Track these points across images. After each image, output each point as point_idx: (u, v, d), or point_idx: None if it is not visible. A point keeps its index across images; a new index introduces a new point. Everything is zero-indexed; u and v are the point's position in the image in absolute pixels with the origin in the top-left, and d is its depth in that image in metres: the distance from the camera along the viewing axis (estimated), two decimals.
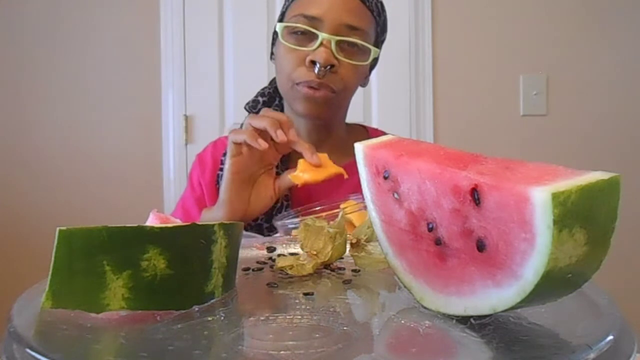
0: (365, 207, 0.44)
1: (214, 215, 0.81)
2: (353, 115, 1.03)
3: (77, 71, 1.96)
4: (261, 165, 0.80)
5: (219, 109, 1.95)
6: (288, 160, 0.90)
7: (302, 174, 0.77)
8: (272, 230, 0.84)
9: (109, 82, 1.96)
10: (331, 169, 0.77)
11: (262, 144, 0.75)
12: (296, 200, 0.90)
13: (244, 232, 0.55)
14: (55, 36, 1.96)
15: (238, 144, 0.78)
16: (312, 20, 0.84)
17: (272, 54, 0.95)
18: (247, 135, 0.76)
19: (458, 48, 1.95)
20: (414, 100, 1.94)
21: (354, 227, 0.65)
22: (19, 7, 1.95)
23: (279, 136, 0.75)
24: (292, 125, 0.77)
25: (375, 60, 0.95)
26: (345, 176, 0.77)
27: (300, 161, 0.78)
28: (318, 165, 0.77)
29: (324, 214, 0.71)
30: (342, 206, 0.73)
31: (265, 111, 0.79)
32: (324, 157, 0.78)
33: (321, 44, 0.83)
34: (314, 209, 0.76)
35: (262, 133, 0.76)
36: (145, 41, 1.95)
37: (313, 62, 0.83)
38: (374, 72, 0.99)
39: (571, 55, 1.96)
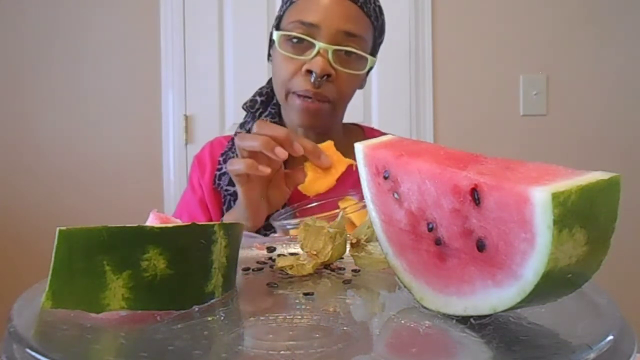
0: (364, 206, 0.44)
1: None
2: (353, 116, 1.03)
3: (77, 71, 1.96)
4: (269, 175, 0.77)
5: (219, 109, 1.94)
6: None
7: (312, 185, 0.72)
8: (270, 227, 0.84)
9: (109, 82, 1.96)
10: (340, 165, 0.72)
11: (265, 170, 0.71)
12: (294, 195, 0.89)
13: (244, 232, 0.54)
14: (55, 36, 1.95)
15: (241, 175, 0.74)
16: (310, 27, 0.83)
17: (269, 55, 0.95)
18: (246, 166, 0.71)
19: (458, 48, 1.95)
20: (414, 100, 1.94)
21: (354, 226, 0.65)
22: (18, 7, 1.95)
23: (280, 155, 0.70)
24: (292, 139, 0.71)
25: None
26: (355, 165, 0.73)
27: (307, 165, 0.73)
28: (328, 167, 0.71)
29: (323, 214, 0.70)
30: (341, 205, 0.72)
31: (258, 126, 0.73)
32: (329, 148, 0.73)
33: (318, 53, 0.82)
34: (311, 206, 0.76)
35: (258, 154, 0.72)
36: (145, 41, 1.95)
37: (309, 72, 0.82)
38: (374, 72, 0.99)
39: (571, 55, 1.96)
